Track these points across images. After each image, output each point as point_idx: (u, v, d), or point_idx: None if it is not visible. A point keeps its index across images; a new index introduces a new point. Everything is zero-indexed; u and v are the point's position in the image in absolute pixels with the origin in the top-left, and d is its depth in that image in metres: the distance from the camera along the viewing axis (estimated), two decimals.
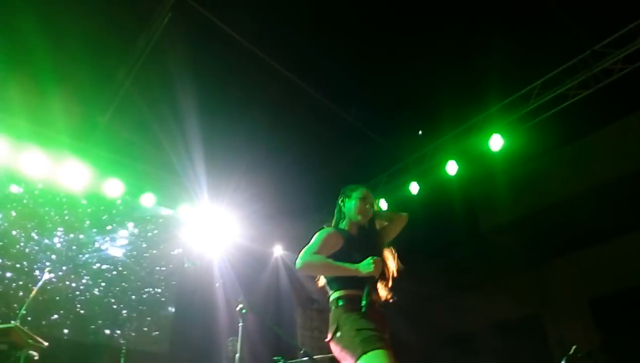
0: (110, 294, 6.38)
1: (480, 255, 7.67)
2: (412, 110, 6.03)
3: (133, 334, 6.34)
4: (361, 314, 2.12)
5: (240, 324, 2.43)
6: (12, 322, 3.63)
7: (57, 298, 5.83)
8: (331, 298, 2.30)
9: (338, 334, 2.11)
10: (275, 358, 3.65)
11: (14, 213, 5.87)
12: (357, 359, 1.94)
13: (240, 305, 2.48)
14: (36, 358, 3.53)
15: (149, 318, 6.61)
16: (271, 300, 7.48)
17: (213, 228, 7.25)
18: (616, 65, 5.37)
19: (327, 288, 2.39)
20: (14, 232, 5.79)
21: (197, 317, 6.65)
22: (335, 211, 2.66)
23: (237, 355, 2.36)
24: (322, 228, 2.49)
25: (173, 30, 4.74)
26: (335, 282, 2.30)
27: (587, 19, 5.11)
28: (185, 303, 6.81)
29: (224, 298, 5.88)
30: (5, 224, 5.78)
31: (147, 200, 6.71)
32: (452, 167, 6.31)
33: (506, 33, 5.25)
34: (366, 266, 2.12)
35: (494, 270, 8.81)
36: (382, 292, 2.39)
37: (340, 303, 2.21)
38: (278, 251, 8.20)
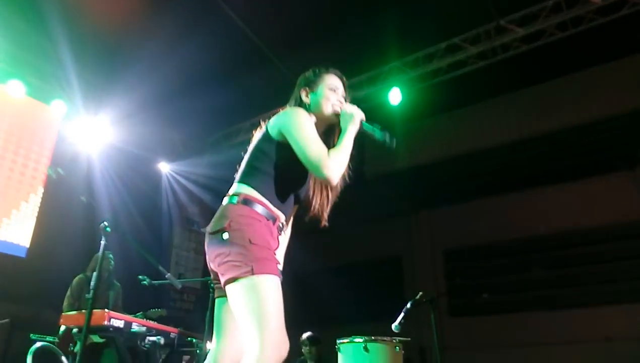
0: None
1: (360, 199, 8.10)
2: (324, 50, 5.95)
3: None
4: (267, 228, 1.69)
5: (102, 242, 2.27)
6: None
7: None
8: (235, 190, 1.76)
9: (225, 235, 1.61)
10: (139, 277, 3.60)
11: None
12: (241, 276, 1.54)
13: (105, 222, 2.30)
14: None
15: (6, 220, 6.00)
16: (147, 217, 7.16)
17: (90, 134, 6.48)
18: (514, 42, 5.72)
19: (241, 176, 1.81)
20: None
21: (58, 227, 6.14)
22: (292, 103, 1.98)
23: (95, 273, 2.24)
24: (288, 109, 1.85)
25: None
26: (261, 177, 1.75)
27: None
28: (48, 213, 6.23)
29: (90, 212, 5.49)
30: None
31: (15, 88, 5.85)
32: None
33: None
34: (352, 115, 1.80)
35: (370, 213, 9.44)
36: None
37: (248, 203, 1.69)
38: (164, 168, 7.69)
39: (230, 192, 1.80)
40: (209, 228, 1.72)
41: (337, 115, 1.90)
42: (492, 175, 8.91)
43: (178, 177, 7.54)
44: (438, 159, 7.67)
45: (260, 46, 6.02)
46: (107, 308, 3.42)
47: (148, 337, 3.39)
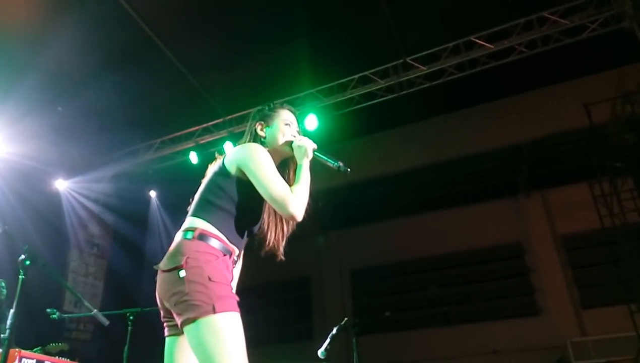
0: None
1: None
2: (241, 72, 6.02)
3: None
4: (223, 263, 1.66)
5: (21, 277, 2.04)
6: None
7: None
8: (189, 225, 1.71)
9: (182, 273, 1.55)
10: (48, 310, 3.28)
11: None
12: (202, 316, 1.49)
13: (23, 256, 2.06)
14: None
15: None
16: (44, 239, 6.45)
17: None
18: (418, 78, 6.21)
19: (195, 210, 1.76)
20: None
21: None
22: (247, 136, 1.98)
23: (12, 310, 2.00)
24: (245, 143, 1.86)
25: None
26: (216, 212, 1.72)
27: (410, 30, 5.76)
28: None
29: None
30: None
31: None
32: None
33: (341, 25, 5.61)
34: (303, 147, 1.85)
35: None
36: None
37: (204, 238, 1.65)
38: (61, 185, 6.99)
39: (184, 226, 1.74)
40: (162, 266, 1.64)
41: (290, 147, 1.93)
42: (396, 198, 9.49)
43: (77, 196, 6.95)
44: (347, 182, 8.00)
45: (175, 63, 5.89)
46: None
47: None
